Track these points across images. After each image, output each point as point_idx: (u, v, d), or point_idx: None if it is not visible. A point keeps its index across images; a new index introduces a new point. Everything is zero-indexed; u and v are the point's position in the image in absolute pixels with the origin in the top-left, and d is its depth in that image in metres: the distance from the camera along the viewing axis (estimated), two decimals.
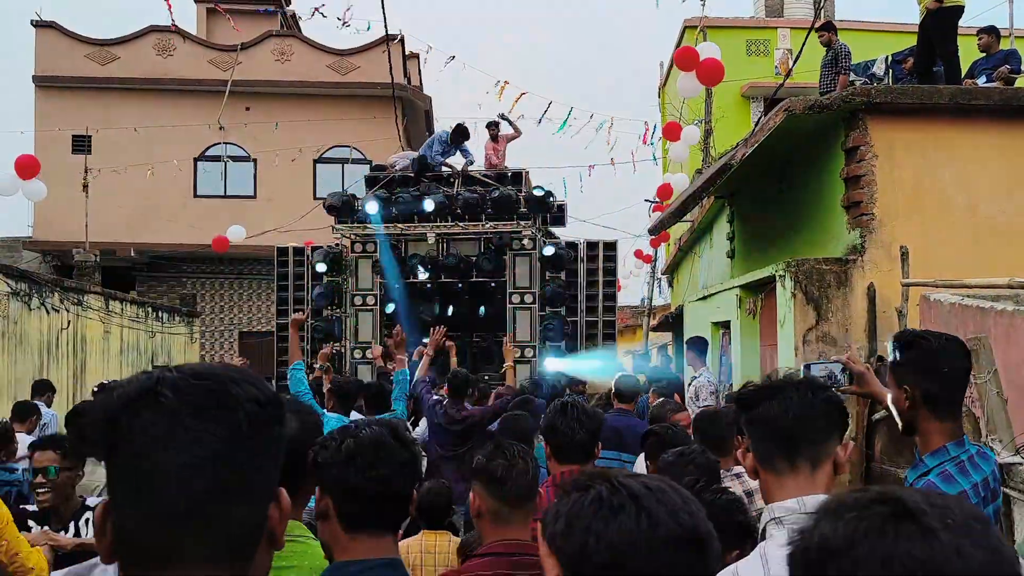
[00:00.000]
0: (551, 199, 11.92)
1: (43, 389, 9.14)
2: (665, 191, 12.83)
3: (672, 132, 10.60)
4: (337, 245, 12.67)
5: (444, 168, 12.21)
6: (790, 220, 8.20)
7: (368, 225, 11.69)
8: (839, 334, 6.59)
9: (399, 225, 11.71)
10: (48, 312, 11.73)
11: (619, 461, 5.09)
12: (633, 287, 25.18)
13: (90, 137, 19.16)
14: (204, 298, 20.75)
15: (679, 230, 15.06)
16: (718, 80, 8.91)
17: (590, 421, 3.11)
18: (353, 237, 12.02)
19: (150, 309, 16.00)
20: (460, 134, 12.25)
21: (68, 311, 12.37)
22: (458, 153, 12.38)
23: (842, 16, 16.14)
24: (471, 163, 12.42)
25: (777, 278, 6.87)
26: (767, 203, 8.93)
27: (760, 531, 1.86)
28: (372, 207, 11.50)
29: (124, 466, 0.96)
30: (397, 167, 12.37)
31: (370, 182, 12.37)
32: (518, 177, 11.99)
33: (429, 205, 11.38)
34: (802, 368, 2.86)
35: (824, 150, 7.31)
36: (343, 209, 11.86)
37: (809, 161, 7.66)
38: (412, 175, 12.11)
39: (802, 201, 7.90)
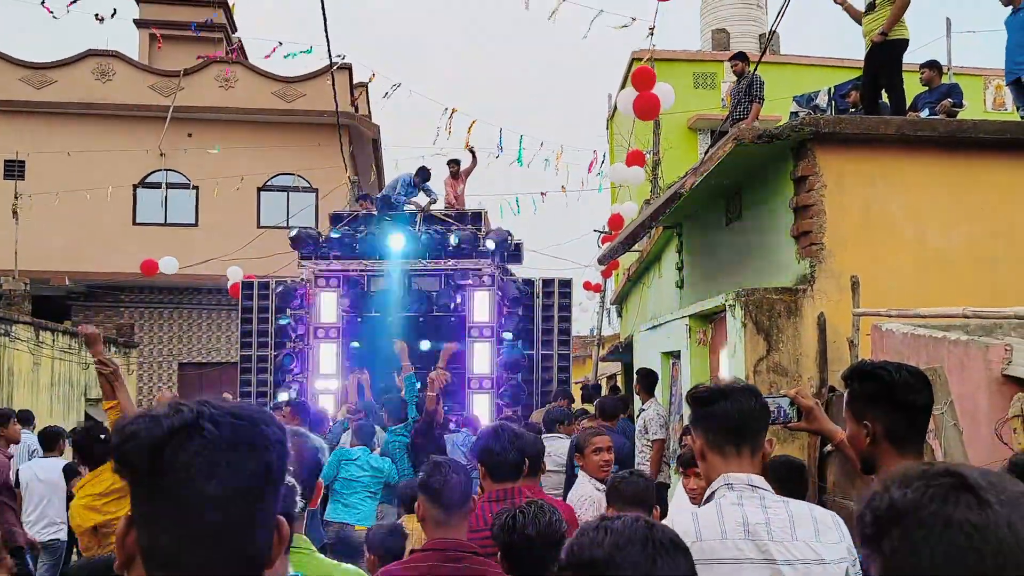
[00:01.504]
0: (509, 239, 12.57)
1: (29, 418, 9.77)
2: (616, 221, 12.81)
3: (636, 159, 10.55)
4: (301, 279, 12.97)
5: (408, 207, 12.91)
6: (739, 250, 8.15)
7: (331, 260, 12.19)
8: (789, 364, 6.51)
9: (363, 261, 12.20)
10: None
11: None
12: (582, 318, 25.08)
13: (23, 162, 18.54)
14: (143, 328, 20.11)
15: (628, 260, 15.03)
16: (651, 116, 8.88)
17: (520, 442, 3.56)
18: (317, 272, 12.35)
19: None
20: (422, 176, 13.03)
21: None
22: (420, 193, 13.13)
23: (787, 51, 16.40)
24: (434, 201, 13.15)
25: (727, 307, 6.78)
26: (716, 233, 8.89)
27: (711, 494, 2.28)
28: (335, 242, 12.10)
29: (165, 490, 1.05)
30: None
31: (334, 219, 12.90)
32: (478, 217, 12.75)
33: (396, 244, 12.07)
34: None
35: (773, 180, 7.28)
36: (307, 244, 12.27)
37: (758, 191, 7.63)
38: (375, 213, 12.70)
39: (751, 231, 7.86)
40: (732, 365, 6.68)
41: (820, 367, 6.54)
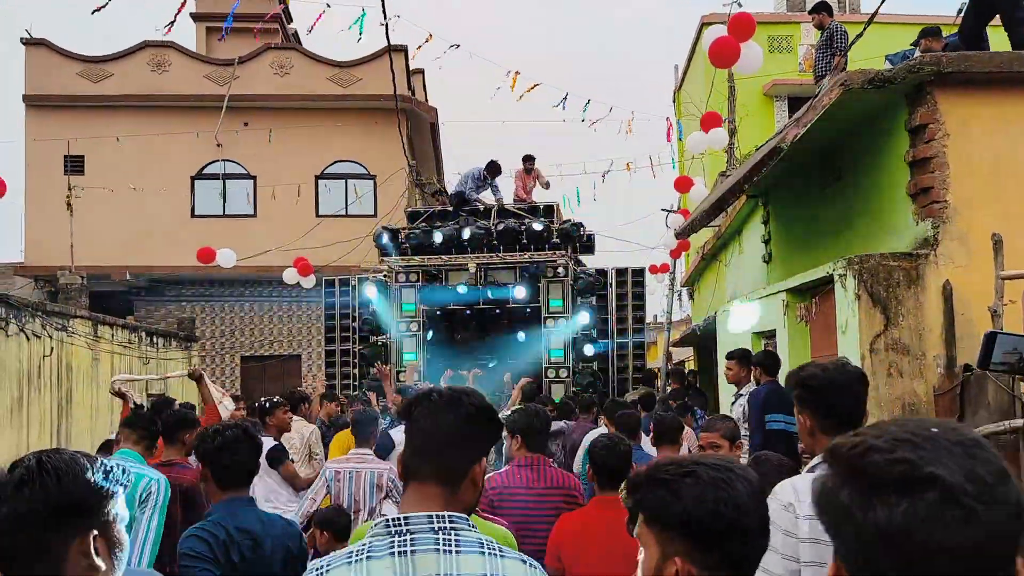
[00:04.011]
0: (581, 230, 12.98)
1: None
2: (683, 183, 11.98)
3: (709, 122, 9.61)
4: (384, 274, 13.32)
5: (477, 203, 13.38)
6: (840, 215, 7.30)
7: (411, 256, 12.68)
8: (911, 341, 5.68)
9: (442, 256, 12.65)
10: (28, 338, 10.89)
11: (785, 423, 5.89)
12: (649, 303, 24.11)
13: (83, 157, 18.40)
14: (204, 322, 19.89)
15: (701, 238, 14.18)
16: (727, 64, 7.89)
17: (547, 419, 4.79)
18: (397, 268, 12.74)
19: (143, 334, 15.13)
20: (493, 169, 13.36)
21: (51, 337, 11.52)
22: (489, 190, 13.60)
23: (867, 10, 15.29)
24: (500, 200, 13.58)
25: (836, 278, 5.97)
26: (810, 199, 8.04)
27: (815, 465, 2.41)
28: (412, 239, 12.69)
29: (410, 428, 1.92)
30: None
31: (411, 217, 13.74)
32: (550, 210, 13.27)
33: (467, 234, 12.46)
34: (984, 336, 2.14)
35: (882, 132, 6.43)
36: (389, 240, 12.85)
37: (863, 146, 6.78)
38: (451, 209, 13.26)
39: (855, 192, 7.01)
40: (844, 343, 5.87)
41: (947, 343, 5.70)
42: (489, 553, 1.80)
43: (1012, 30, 6.79)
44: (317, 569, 1.81)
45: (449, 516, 1.79)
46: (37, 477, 1.58)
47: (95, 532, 1.58)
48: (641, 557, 1.53)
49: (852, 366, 2.56)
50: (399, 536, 1.77)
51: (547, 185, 14.39)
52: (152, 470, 4.21)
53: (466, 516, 1.83)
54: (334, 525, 4.73)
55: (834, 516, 1.02)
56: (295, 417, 7.70)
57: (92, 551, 1.57)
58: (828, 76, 8.44)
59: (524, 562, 1.87)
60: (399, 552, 1.75)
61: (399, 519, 1.78)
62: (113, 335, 13.64)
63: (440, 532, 1.77)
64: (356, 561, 1.77)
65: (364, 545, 1.79)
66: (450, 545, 1.77)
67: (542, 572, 1.89)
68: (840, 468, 1.03)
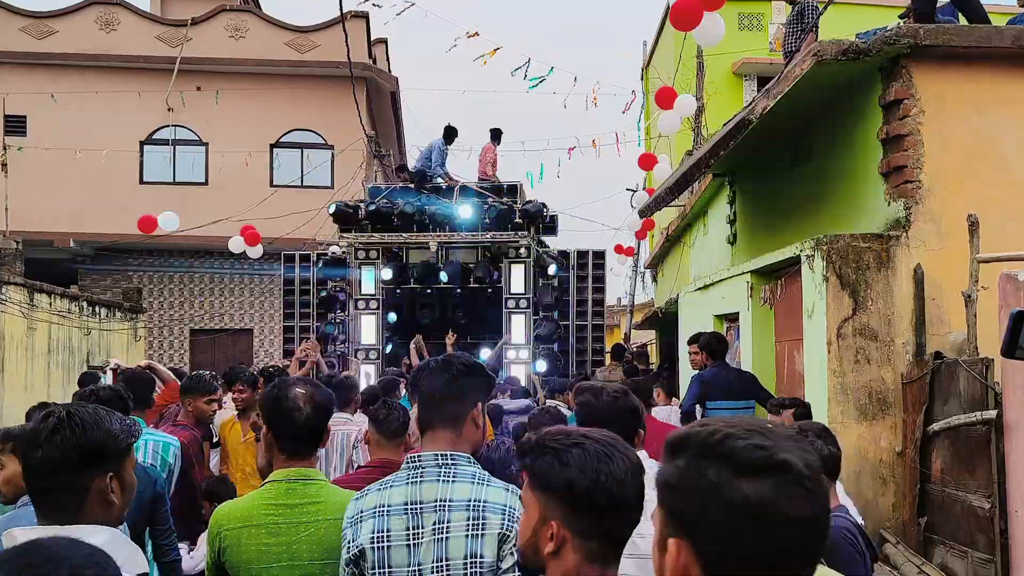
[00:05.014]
0: (544, 211, 12.73)
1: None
2: (647, 160, 11.67)
3: (666, 99, 9.25)
4: (342, 251, 13.00)
5: (440, 180, 13.04)
6: (809, 195, 7.03)
7: (372, 233, 12.29)
8: (880, 326, 5.43)
9: (402, 234, 12.29)
10: None
11: (731, 410, 5.91)
12: (612, 284, 23.95)
13: (25, 117, 17.61)
14: (152, 293, 19.24)
15: (665, 219, 13.93)
16: (688, 26, 7.38)
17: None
18: (357, 244, 12.35)
19: (85, 304, 14.49)
20: (451, 133, 13.10)
21: None
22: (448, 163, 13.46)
23: None
24: (457, 183, 13.27)
25: (803, 259, 5.69)
26: (777, 178, 7.76)
27: None
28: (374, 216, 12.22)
29: (419, 392, 2.35)
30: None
31: (373, 193, 13.15)
32: (513, 189, 12.79)
33: (428, 211, 12.19)
34: (1011, 316, 1.78)
35: (855, 108, 6.15)
36: (348, 217, 12.34)
37: (834, 123, 6.50)
38: (412, 186, 12.92)
39: (825, 171, 6.73)
40: (810, 327, 5.59)
41: (916, 330, 5.45)
42: (477, 483, 2.27)
43: (964, 9, 6.53)
44: (359, 494, 2.36)
45: (451, 455, 2.27)
46: (68, 426, 1.88)
47: (111, 473, 1.90)
48: (522, 518, 1.66)
49: (627, 399, 2.60)
50: (413, 470, 2.28)
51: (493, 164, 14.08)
52: (168, 436, 4.59)
53: (467, 455, 2.30)
54: (219, 496, 4.85)
55: (695, 495, 1.11)
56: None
57: (109, 489, 1.89)
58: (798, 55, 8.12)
59: (507, 489, 2.31)
60: (411, 482, 2.27)
61: (415, 457, 2.31)
62: (51, 304, 13.02)
63: (443, 467, 2.26)
64: (383, 489, 2.31)
65: (391, 477, 2.34)
66: (449, 477, 2.25)
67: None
68: (695, 452, 1.13)
